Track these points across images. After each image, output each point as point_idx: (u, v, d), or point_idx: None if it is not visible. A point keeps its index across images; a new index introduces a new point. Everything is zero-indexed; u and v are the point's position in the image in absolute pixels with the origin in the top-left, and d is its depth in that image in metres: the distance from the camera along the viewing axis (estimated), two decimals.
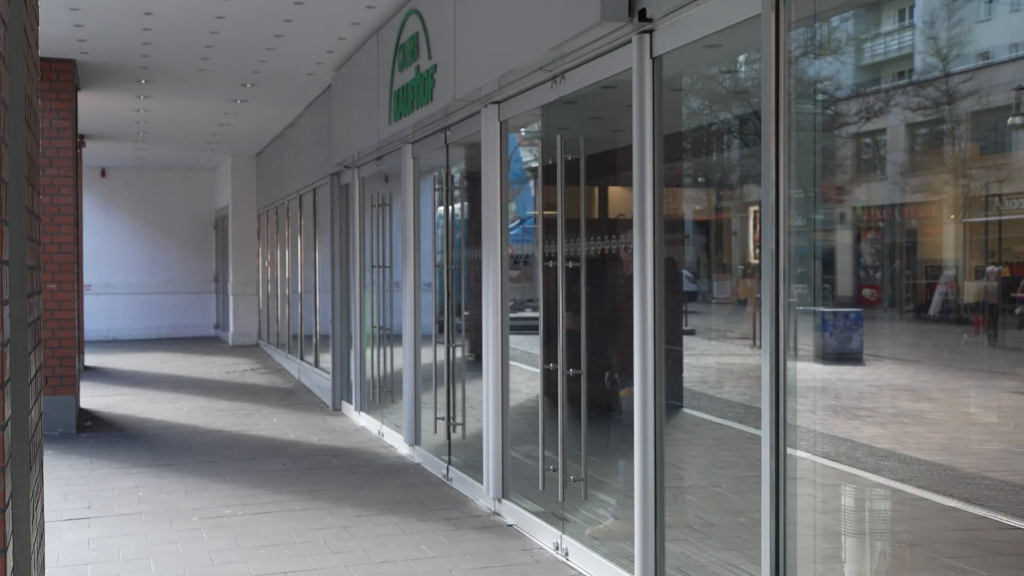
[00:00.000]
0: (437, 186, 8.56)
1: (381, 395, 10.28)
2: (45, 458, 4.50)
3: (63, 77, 10.61)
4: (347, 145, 10.82)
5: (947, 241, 8.16)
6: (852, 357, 8.35)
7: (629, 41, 4.97)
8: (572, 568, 5.69)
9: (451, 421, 8.03)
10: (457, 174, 8.35)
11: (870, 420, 8.19)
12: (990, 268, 7.70)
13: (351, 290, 11.60)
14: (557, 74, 5.88)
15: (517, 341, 7.40)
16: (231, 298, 20.74)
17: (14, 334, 2.52)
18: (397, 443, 9.36)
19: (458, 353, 8.11)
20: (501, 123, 6.88)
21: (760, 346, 3.99)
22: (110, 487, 7.88)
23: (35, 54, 3.45)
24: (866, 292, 8.22)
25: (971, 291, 7.77)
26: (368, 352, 10.78)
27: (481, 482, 7.13)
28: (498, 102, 6.86)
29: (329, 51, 10.41)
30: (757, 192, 4.08)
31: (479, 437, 7.28)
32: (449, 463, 7.97)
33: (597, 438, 6.38)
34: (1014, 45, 6.85)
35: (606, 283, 6.15)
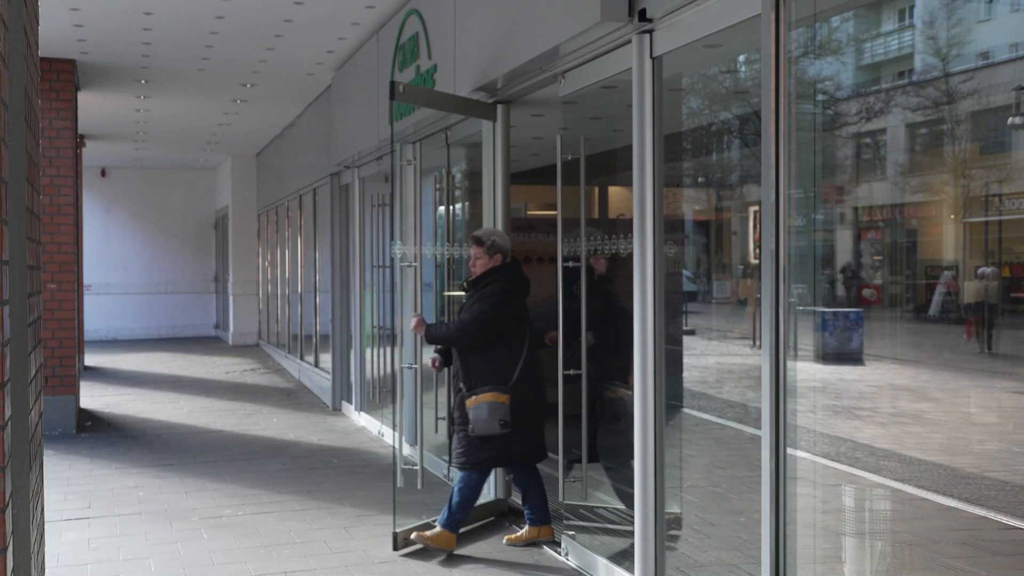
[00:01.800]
0: (437, 186, 8.56)
1: (381, 395, 10.28)
2: (45, 458, 4.50)
3: (63, 77, 10.62)
4: (347, 145, 10.82)
5: (947, 241, 8.16)
6: (852, 357, 8.35)
7: (629, 41, 4.97)
8: (572, 567, 5.69)
9: (452, 421, 8.01)
10: (457, 174, 8.34)
11: (870, 420, 8.19)
12: (982, 270, 7.71)
13: (351, 290, 11.60)
14: (557, 74, 5.87)
15: None
16: (231, 298, 20.74)
17: (14, 334, 2.52)
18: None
19: None
20: (501, 123, 6.88)
21: (760, 346, 3.99)
22: (110, 487, 7.88)
23: (35, 54, 3.45)
24: (866, 292, 8.22)
25: (970, 291, 7.78)
26: (368, 352, 10.78)
27: None
28: (497, 102, 6.85)
29: (329, 51, 10.41)
30: (757, 192, 4.08)
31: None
32: (449, 463, 7.96)
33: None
34: (1014, 45, 6.85)
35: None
